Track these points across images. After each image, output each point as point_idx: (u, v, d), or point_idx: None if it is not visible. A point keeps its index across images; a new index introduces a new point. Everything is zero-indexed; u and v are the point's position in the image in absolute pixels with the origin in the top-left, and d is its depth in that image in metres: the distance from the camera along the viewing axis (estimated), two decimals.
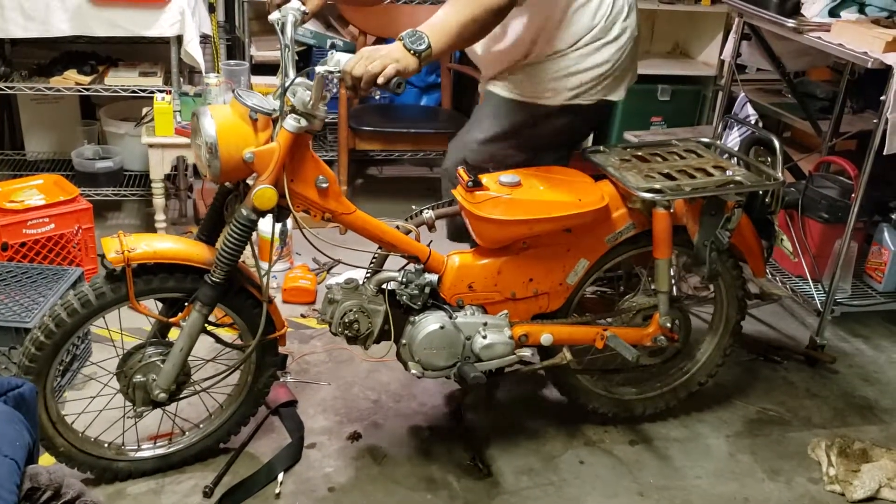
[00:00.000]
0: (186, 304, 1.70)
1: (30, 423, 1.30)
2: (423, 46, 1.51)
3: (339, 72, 1.49)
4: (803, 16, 2.47)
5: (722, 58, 3.08)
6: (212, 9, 3.16)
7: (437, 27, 1.55)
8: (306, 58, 3.38)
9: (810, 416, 2.23)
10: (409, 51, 1.50)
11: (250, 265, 1.75)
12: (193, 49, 2.66)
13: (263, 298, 1.69)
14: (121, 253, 1.57)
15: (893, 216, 2.54)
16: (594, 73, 1.87)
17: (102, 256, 1.62)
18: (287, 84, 1.54)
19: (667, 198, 1.78)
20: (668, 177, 1.84)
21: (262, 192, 1.55)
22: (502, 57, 1.90)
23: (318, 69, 1.50)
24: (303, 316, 2.51)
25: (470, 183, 1.73)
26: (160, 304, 1.75)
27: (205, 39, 3.03)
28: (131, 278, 1.59)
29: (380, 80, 1.47)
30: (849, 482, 1.96)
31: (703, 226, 1.86)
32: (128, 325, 1.81)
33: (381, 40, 3.33)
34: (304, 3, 1.77)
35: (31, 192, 2.52)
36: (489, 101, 1.96)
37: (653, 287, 1.93)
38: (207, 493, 1.78)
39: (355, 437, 2.01)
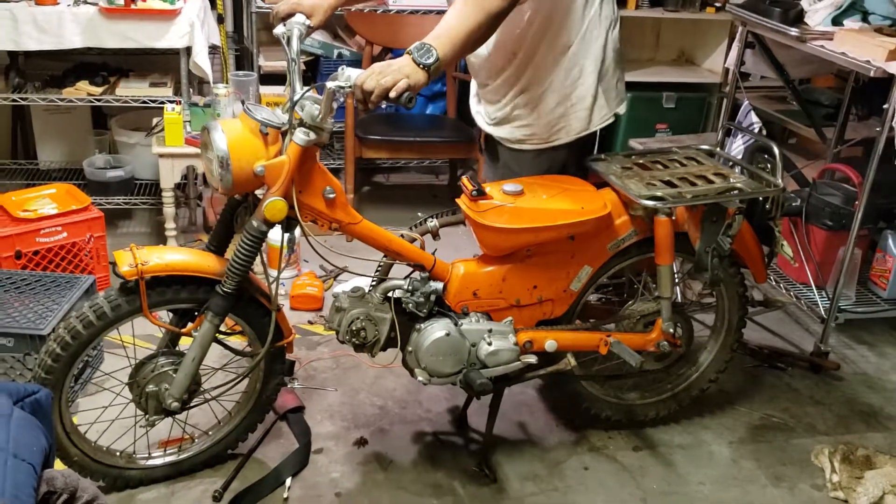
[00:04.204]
0: (197, 314, 1.73)
1: (46, 429, 1.33)
2: (431, 60, 1.53)
3: (350, 87, 1.51)
4: (806, 24, 2.48)
5: (726, 66, 3.10)
6: (220, 20, 3.21)
7: (444, 38, 1.57)
8: (314, 67, 3.42)
9: (814, 423, 2.24)
10: (418, 65, 1.52)
11: (258, 273, 1.78)
12: (202, 60, 2.70)
13: (272, 307, 1.72)
14: (134, 266, 1.60)
15: None
16: (594, 89, 1.88)
17: (114, 265, 1.65)
18: (296, 98, 1.57)
19: (668, 205, 1.80)
20: (670, 184, 1.86)
21: (273, 204, 1.58)
22: (498, 52, 1.88)
23: (329, 84, 1.53)
24: (310, 322, 2.54)
25: (474, 192, 1.76)
26: (171, 315, 1.78)
27: (214, 50, 3.08)
28: (145, 290, 1.62)
29: (392, 94, 1.49)
30: (852, 489, 1.97)
31: (705, 232, 1.89)
32: (138, 332, 1.84)
33: (387, 50, 3.37)
34: (308, 18, 1.80)
35: (44, 201, 2.57)
36: (507, 162, 1.97)
37: (655, 293, 1.95)
38: (217, 498, 1.81)
39: (362, 442, 2.03)
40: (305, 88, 1.57)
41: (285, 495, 1.84)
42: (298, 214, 1.63)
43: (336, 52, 3.32)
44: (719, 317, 2.14)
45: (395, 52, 3.42)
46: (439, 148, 3.22)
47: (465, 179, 1.80)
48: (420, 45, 1.54)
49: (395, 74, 1.50)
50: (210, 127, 1.60)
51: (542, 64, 1.85)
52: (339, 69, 1.54)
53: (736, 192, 1.86)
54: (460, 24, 1.58)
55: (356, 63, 3.39)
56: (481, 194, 1.76)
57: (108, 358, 2.23)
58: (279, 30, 1.77)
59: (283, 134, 1.61)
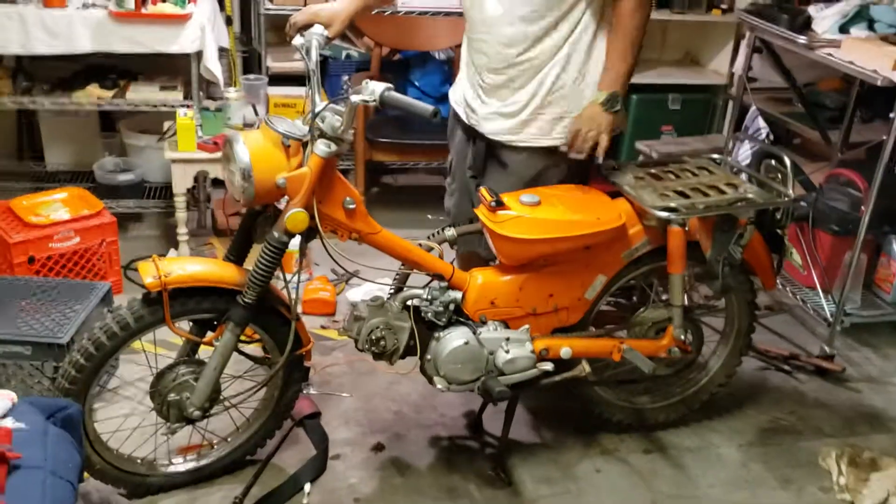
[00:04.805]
0: (218, 323, 1.75)
1: (77, 443, 1.35)
2: (618, 106, 1.83)
3: (374, 101, 1.53)
4: (814, 31, 2.50)
5: (733, 70, 3.11)
6: (229, 21, 3.21)
7: (620, 79, 1.83)
8: (322, 69, 3.42)
9: (821, 426, 2.28)
10: (608, 111, 1.82)
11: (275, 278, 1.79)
12: (213, 64, 2.70)
13: (292, 316, 1.74)
14: (158, 277, 1.62)
15: None
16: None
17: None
18: (317, 110, 1.58)
19: (681, 216, 1.83)
20: (682, 195, 1.89)
21: (295, 215, 1.60)
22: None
23: (354, 98, 1.54)
24: (323, 327, 2.56)
25: (493, 203, 1.78)
26: (191, 324, 1.80)
27: (222, 52, 3.07)
28: (168, 301, 1.64)
29: (600, 146, 1.84)
30: (858, 491, 2.00)
31: (716, 242, 1.91)
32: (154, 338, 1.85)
33: (395, 51, 3.37)
34: (326, 28, 1.81)
35: (56, 205, 2.57)
36: (514, 170, 1.95)
37: (665, 299, 1.97)
38: None
39: (378, 447, 2.06)
40: (326, 102, 1.59)
41: (305, 501, 1.87)
42: (319, 225, 1.65)
43: (344, 53, 3.33)
44: (729, 322, 2.17)
45: (403, 54, 3.43)
46: (448, 150, 3.22)
47: (483, 190, 1.82)
48: (609, 96, 1.82)
49: (600, 128, 1.83)
50: (232, 139, 1.61)
51: (588, 42, 1.85)
52: (364, 83, 1.56)
53: (747, 202, 1.88)
54: (626, 62, 1.82)
55: (364, 63, 3.39)
56: (500, 205, 1.78)
57: (123, 366, 2.24)
58: (298, 41, 1.77)
59: (304, 145, 1.62)
